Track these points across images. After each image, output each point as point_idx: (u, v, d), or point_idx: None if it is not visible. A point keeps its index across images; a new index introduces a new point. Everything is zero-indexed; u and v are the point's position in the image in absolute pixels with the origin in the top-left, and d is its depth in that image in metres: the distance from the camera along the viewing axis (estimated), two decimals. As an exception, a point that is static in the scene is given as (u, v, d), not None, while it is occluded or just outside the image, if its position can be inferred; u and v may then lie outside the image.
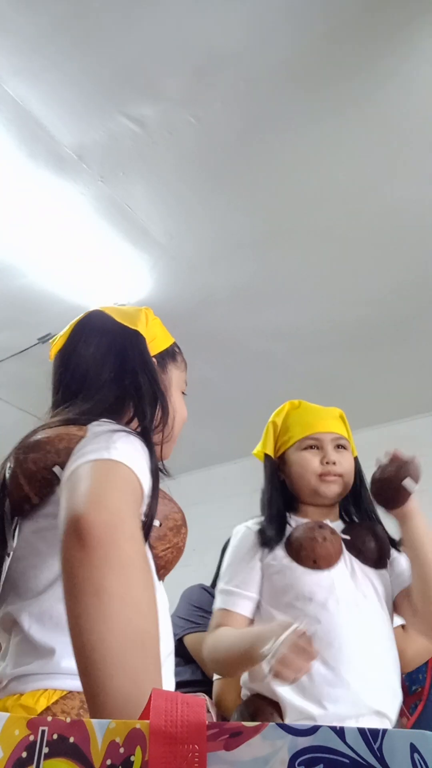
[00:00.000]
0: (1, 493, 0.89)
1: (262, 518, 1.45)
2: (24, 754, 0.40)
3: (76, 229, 2.38)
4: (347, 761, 0.38)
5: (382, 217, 2.33)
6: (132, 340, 1.00)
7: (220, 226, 2.39)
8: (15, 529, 0.89)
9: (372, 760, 0.37)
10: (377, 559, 1.37)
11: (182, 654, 1.91)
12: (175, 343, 1.10)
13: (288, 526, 1.40)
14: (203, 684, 1.91)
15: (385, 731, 0.38)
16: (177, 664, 1.91)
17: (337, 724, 1.09)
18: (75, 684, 0.75)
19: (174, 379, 1.06)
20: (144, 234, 2.42)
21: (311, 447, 1.45)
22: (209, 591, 2.12)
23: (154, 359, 1.02)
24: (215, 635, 1.29)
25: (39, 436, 0.86)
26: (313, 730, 0.39)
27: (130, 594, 0.60)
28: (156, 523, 0.87)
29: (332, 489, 1.41)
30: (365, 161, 2.12)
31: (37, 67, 1.82)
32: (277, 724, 0.40)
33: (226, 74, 1.85)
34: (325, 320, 2.87)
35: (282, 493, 1.47)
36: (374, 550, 1.37)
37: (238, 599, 1.32)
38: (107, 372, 0.97)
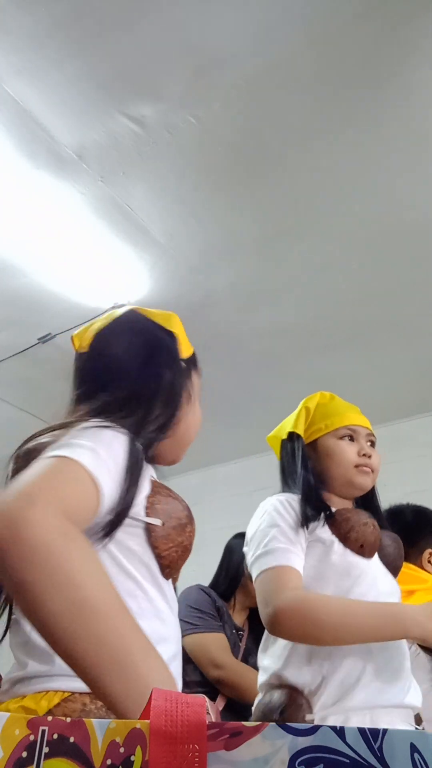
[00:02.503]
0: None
1: (292, 494, 1.38)
2: (24, 754, 0.40)
3: (76, 228, 2.38)
4: (347, 761, 0.38)
5: (383, 216, 2.33)
6: (166, 340, 1.02)
7: (220, 226, 2.39)
8: None
9: (372, 760, 0.37)
10: (394, 569, 1.39)
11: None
12: (194, 353, 1.12)
13: (325, 505, 1.37)
14: (203, 685, 1.91)
15: (385, 731, 0.38)
16: (176, 665, 1.91)
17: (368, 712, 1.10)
18: (75, 685, 0.75)
19: (196, 387, 1.08)
20: (144, 234, 2.42)
21: (347, 437, 1.45)
22: (207, 592, 2.12)
23: (183, 363, 1.05)
24: (329, 599, 1.16)
25: (34, 443, 0.88)
26: (313, 730, 0.39)
27: (40, 587, 0.63)
28: (158, 522, 0.87)
29: (366, 481, 1.41)
30: (365, 161, 2.12)
31: (37, 67, 1.83)
32: (277, 723, 0.40)
33: (226, 74, 1.85)
34: (325, 320, 2.87)
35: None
36: (397, 558, 1.39)
37: (295, 557, 1.23)
38: (135, 367, 0.98)
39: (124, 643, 0.62)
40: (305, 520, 1.29)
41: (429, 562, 1.88)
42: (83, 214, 2.32)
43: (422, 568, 1.85)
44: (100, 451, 0.78)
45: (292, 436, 1.48)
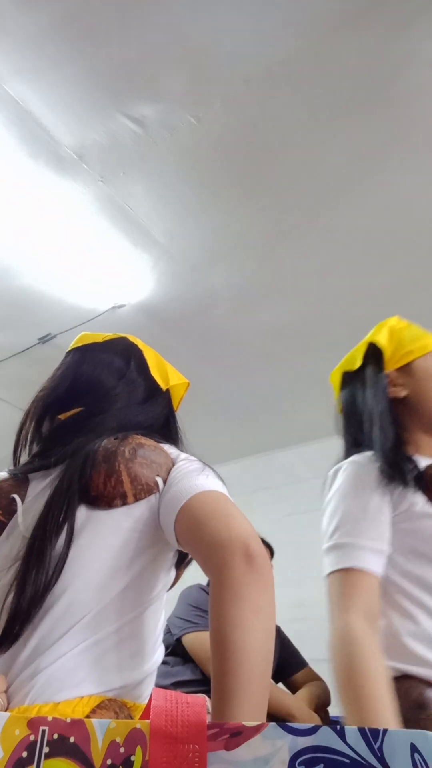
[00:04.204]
0: (81, 474, 0.86)
1: (370, 453, 1.12)
2: (24, 754, 0.40)
3: (77, 229, 2.39)
4: (347, 761, 0.38)
5: (382, 216, 2.33)
6: (168, 397, 1.16)
7: (220, 226, 2.39)
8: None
9: (372, 760, 0.37)
10: None
11: (181, 653, 1.91)
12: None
13: (410, 462, 1.09)
14: (203, 683, 1.91)
15: (385, 731, 0.38)
16: (176, 664, 1.91)
17: None
18: (104, 687, 0.74)
19: None
20: (144, 234, 2.42)
21: None
22: (207, 591, 2.12)
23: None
24: (365, 647, 0.90)
25: (140, 440, 0.92)
26: (314, 730, 0.39)
27: (272, 617, 0.72)
28: None
29: None
30: (365, 161, 2.12)
31: (37, 67, 1.83)
32: (277, 723, 0.40)
33: (226, 74, 1.85)
34: (326, 320, 2.87)
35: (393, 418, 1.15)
36: None
37: (368, 554, 1.00)
38: (152, 411, 1.09)
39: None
40: (388, 484, 1.05)
41: None
42: (83, 215, 2.33)
43: None
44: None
45: (375, 355, 1.23)
